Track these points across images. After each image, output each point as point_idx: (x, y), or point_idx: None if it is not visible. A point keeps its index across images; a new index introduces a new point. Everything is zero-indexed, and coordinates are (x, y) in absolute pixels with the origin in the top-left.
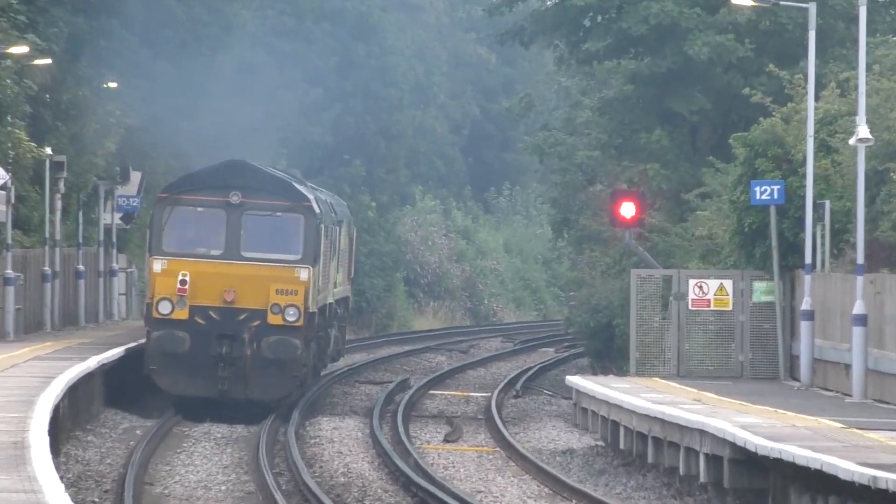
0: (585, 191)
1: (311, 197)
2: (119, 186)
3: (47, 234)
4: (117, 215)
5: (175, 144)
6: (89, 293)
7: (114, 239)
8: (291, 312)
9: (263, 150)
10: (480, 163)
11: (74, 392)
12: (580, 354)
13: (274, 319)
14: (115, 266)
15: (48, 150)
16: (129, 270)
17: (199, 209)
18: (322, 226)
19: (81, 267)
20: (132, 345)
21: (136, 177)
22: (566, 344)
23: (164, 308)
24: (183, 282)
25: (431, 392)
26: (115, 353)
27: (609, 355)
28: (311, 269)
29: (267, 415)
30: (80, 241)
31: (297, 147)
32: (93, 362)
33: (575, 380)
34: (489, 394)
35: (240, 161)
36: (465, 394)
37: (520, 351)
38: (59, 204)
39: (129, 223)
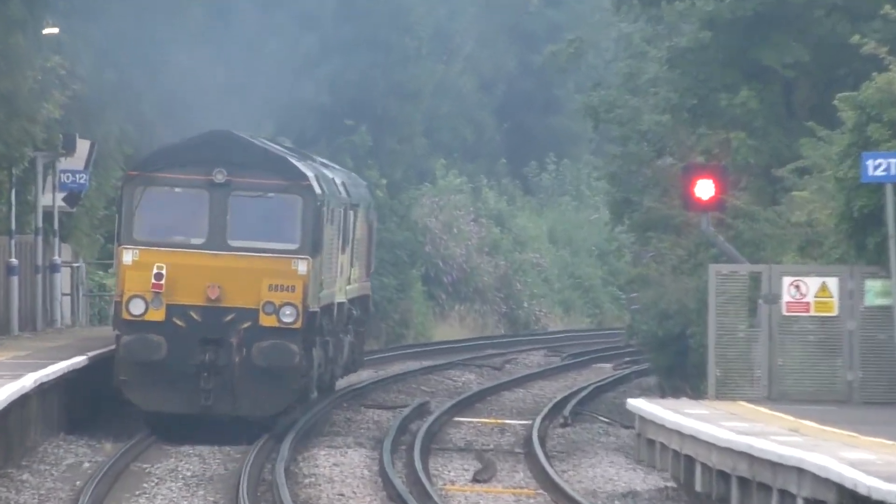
0: (651, 165)
1: (310, 174)
2: (62, 159)
3: None
4: (60, 195)
5: (133, 107)
6: (24, 294)
7: (55, 225)
8: (288, 312)
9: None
10: (518, 130)
11: (5, 419)
12: (645, 372)
13: (267, 321)
14: (58, 259)
15: None
16: (75, 265)
17: (177, 189)
18: (325, 209)
19: (14, 261)
20: (79, 359)
21: (83, 147)
22: (627, 359)
23: (136, 308)
24: (158, 276)
25: (457, 419)
26: (57, 369)
27: (681, 373)
28: (311, 260)
29: (259, 436)
30: (13, 228)
31: (286, 110)
32: (28, 381)
33: (638, 404)
34: (530, 421)
35: (225, 132)
36: (500, 421)
37: (568, 367)
38: None
39: (75, 205)
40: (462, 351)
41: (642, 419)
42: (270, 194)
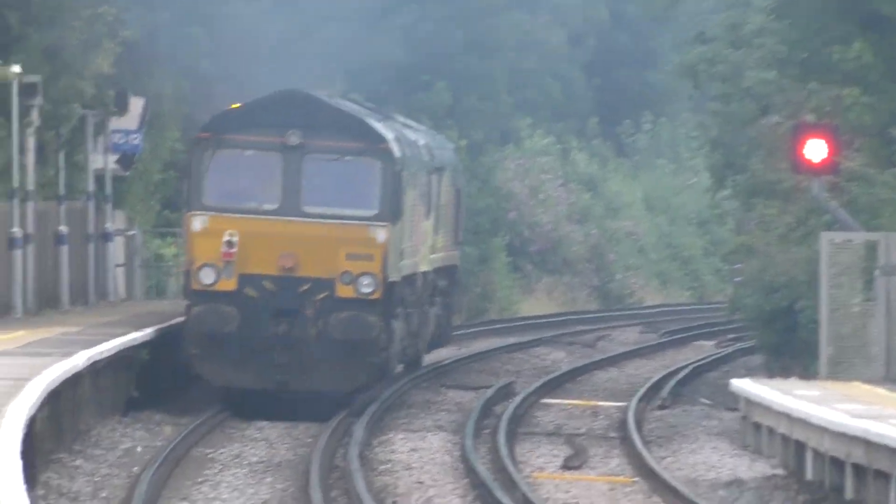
0: (757, 125)
1: (389, 136)
2: (114, 118)
3: (15, 184)
4: (112, 157)
5: (189, 62)
6: (75, 264)
7: (108, 190)
8: (366, 282)
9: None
10: (610, 86)
11: (56, 400)
12: (750, 350)
13: (344, 291)
14: (111, 227)
15: (15, 69)
16: (129, 233)
17: (249, 152)
18: (405, 173)
19: (64, 229)
20: (135, 335)
21: (136, 105)
22: (731, 335)
23: (207, 277)
24: (230, 244)
25: (545, 401)
26: (111, 346)
27: (790, 351)
28: (391, 227)
29: (335, 413)
30: (62, 192)
31: (357, 66)
32: (80, 360)
33: (743, 385)
34: (624, 403)
35: (299, 91)
36: (592, 403)
37: (666, 345)
38: (31, 142)
39: (129, 168)
40: (550, 327)
41: (748, 401)
42: (347, 157)
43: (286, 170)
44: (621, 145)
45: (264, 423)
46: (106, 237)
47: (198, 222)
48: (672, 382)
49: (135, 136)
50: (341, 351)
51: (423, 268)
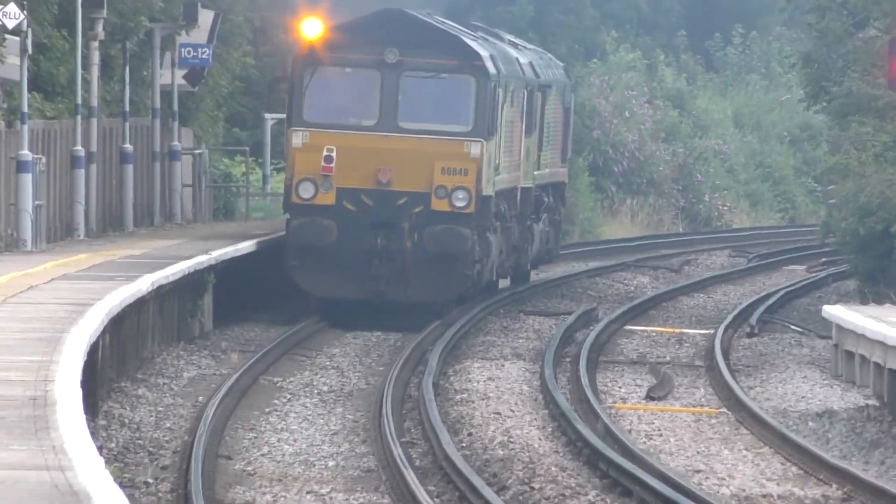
0: (853, 38)
1: (484, 54)
2: (183, 32)
3: (79, 100)
4: (180, 73)
5: None
6: (140, 184)
7: (175, 107)
8: (461, 196)
9: None
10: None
11: (119, 326)
12: (843, 275)
13: (439, 205)
14: (178, 145)
15: None
16: (197, 152)
17: (348, 70)
18: (500, 90)
19: (129, 147)
20: (201, 259)
21: (206, 18)
22: (823, 260)
23: (306, 191)
24: (328, 158)
25: (628, 328)
26: (176, 270)
27: (886, 277)
28: (485, 143)
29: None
30: (127, 109)
31: None
32: (144, 284)
33: (836, 311)
34: (711, 331)
35: (396, 10)
36: (678, 330)
37: (756, 269)
38: (96, 56)
39: (198, 84)
40: (634, 251)
41: (840, 329)
42: (443, 75)
43: (383, 87)
44: (710, 60)
45: (335, 351)
46: (173, 156)
47: (298, 138)
48: (761, 309)
49: (204, 49)
50: (436, 263)
51: (526, 183)
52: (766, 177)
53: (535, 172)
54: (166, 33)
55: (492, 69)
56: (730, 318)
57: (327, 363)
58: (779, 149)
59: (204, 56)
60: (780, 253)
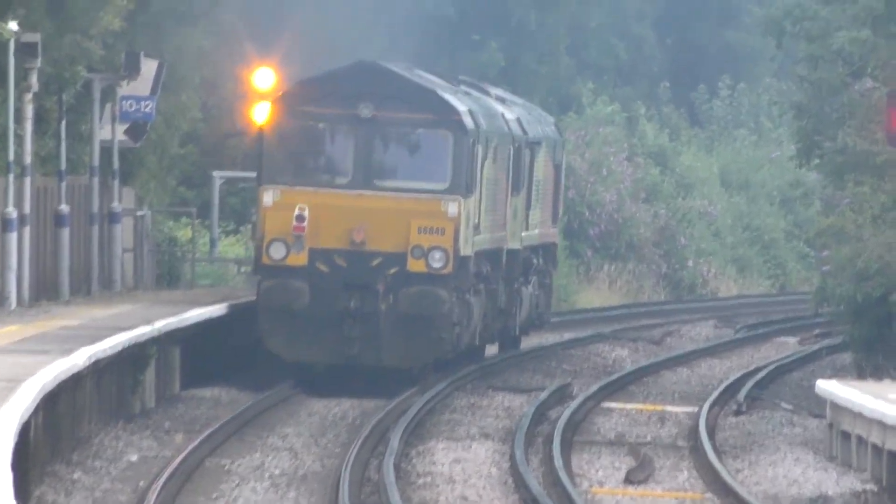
0: (848, 90)
1: (462, 108)
2: (124, 83)
3: (11, 157)
4: (121, 127)
5: (212, 17)
6: (77, 249)
7: (116, 165)
8: (437, 257)
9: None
10: (684, 46)
11: (53, 404)
12: (838, 347)
13: (415, 265)
14: (118, 206)
15: (12, 26)
16: (139, 213)
17: (321, 125)
18: (480, 146)
19: (65, 208)
20: (142, 330)
21: (149, 68)
22: (817, 331)
23: (277, 252)
24: (300, 218)
25: (605, 405)
26: (116, 343)
27: (884, 348)
28: (463, 200)
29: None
30: (63, 167)
31: (400, 21)
32: (81, 358)
33: (830, 387)
34: (695, 408)
35: (371, 63)
36: (659, 408)
37: (744, 341)
38: (29, 109)
39: (140, 140)
40: (612, 321)
41: (835, 406)
42: (419, 130)
43: (358, 142)
44: (695, 113)
45: (289, 430)
46: (112, 218)
47: (269, 196)
48: (750, 384)
49: (147, 102)
50: (412, 326)
51: (513, 244)
52: (754, 240)
53: (524, 233)
54: (106, 84)
55: (470, 124)
56: (715, 394)
57: (280, 443)
58: (768, 210)
59: (147, 109)
60: (769, 323)
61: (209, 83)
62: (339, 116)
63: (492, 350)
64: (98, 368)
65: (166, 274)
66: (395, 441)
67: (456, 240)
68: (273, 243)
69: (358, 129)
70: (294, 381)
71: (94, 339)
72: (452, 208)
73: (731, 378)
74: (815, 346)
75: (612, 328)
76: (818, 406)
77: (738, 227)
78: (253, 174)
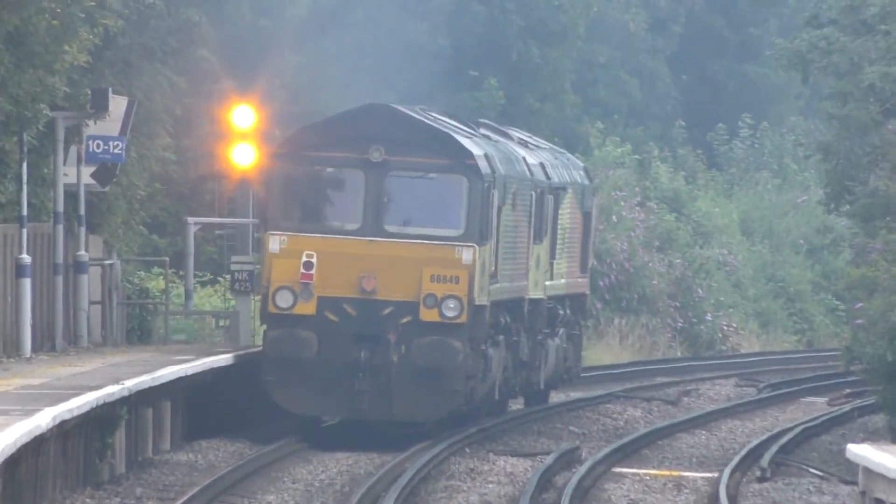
0: (880, 129)
1: (477, 153)
2: (91, 122)
3: None
4: (88, 170)
5: (190, 51)
6: (39, 302)
7: (82, 211)
8: (451, 306)
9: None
10: (701, 83)
11: (14, 470)
12: (870, 408)
13: (428, 315)
14: (85, 256)
15: None
16: (107, 263)
17: (330, 169)
18: (495, 192)
19: (27, 257)
20: (111, 389)
21: (118, 106)
22: (847, 391)
23: (284, 300)
24: (308, 265)
25: (617, 471)
26: (82, 403)
27: None
28: (478, 248)
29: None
30: (24, 213)
31: (390, 56)
32: (44, 419)
33: (863, 452)
34: (715, 474)
35: (382, 105)
36: (675, 473)
37: (768, 401)
38: None
39: (109, 184)
40: (624, 379)
41: (868, 472)
42: (432, 175)
43: (368, 187)
44: (713, 155)
45: (271, 499)
46: (78, 268)
47: (275, 242)
48: (774, 448)
49: (117, 143)
50: (424, 378)
51: (535, 294)
52: (778, 293)
53: (548, 283)
54: (71, 123)
55: (486, 169)
56: (737, 459)
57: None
58: (794, 260)
59: (116, 150)
60: (796, 382)
61: (183, 123)
62: (348, 160)
63: (516, 405)
64: (63, 431)
65: (137, 328)
66: None
67: (471, 288)
68: (280, 291)
69: (368, 173)
70: (278, 443)
71: (58, 399)
72: (467, 255)
73: (755, 441)
74: (846, 408)
75: (624, 387)
76: (849, 472)
77: (761, 278)
78: (232, 220)
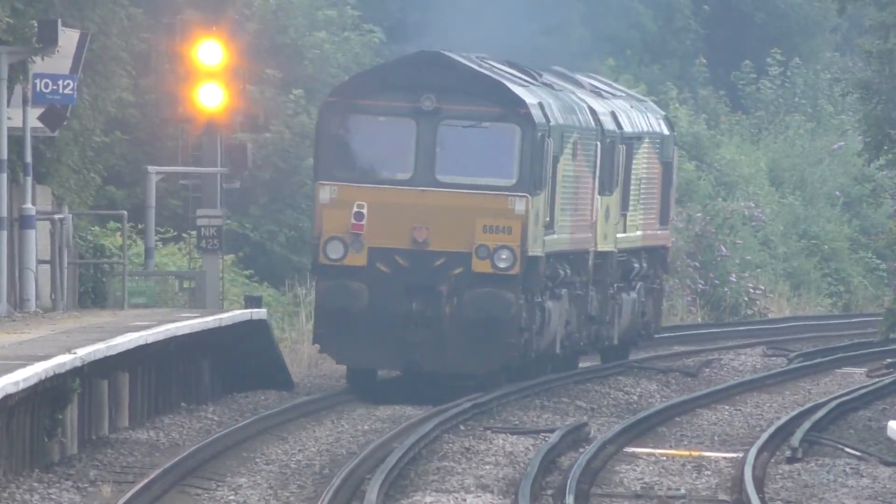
0: None
1: (530, 101)
2: (38, 58)
3: None
4: (35, 112)
5: None
6: None
7: (28, 158)
8: (504, 256)
9: None
10: (725, 14)
11: None
12: None
13: (480, 266)
14: (31, 209)
15: None
16: (57, 217)
17: (382, 118)
18: (550, 141)
19: None
20: (62, 359)
21: (69, 40)
22: (888, 360)
23: (335, 251)
24: (359, 216)
25: (629, 450)
26: (29, 375)
27: None
28: (531, 198)
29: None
30: None
31: None
32: None
33: None
34: (740, 454)
35: (435, 52)
36: (696, 453)
37: (799, 373)
38: None
39: (59, 128)
40: (637, 348)
41: None
42: (485, 123)
43: (420, 137)
44: (738, 96)
45: (242, 481)
46: (24, 222)
47: (326, 193)
48: (806, 425)
49: (67, 81)
50: (477, 330)
51: (605, 247)
52: (812, 250)
53: (619, 235)
54: (16, 60)
55: (539, 117)
56: (764, 437)
57: (231, 497)
58: (829, 213)
59: (67, 91)
60: (830, 351)
61: (142, 60)
62: (399, 109)
63: (588, 362)
64: (7, 407)
65: (91, 291)
66: (371, 494)
67: (524, 239)
68: (330, 242)
69: (420, 122)
70: (250, 419)
71: (1, 371)
72: (520, 205)
73: (784, 418)
74: (887, 380)
75: (638, 357)
76: (890, 451)
77: (792, 235)
78: (198, 169)
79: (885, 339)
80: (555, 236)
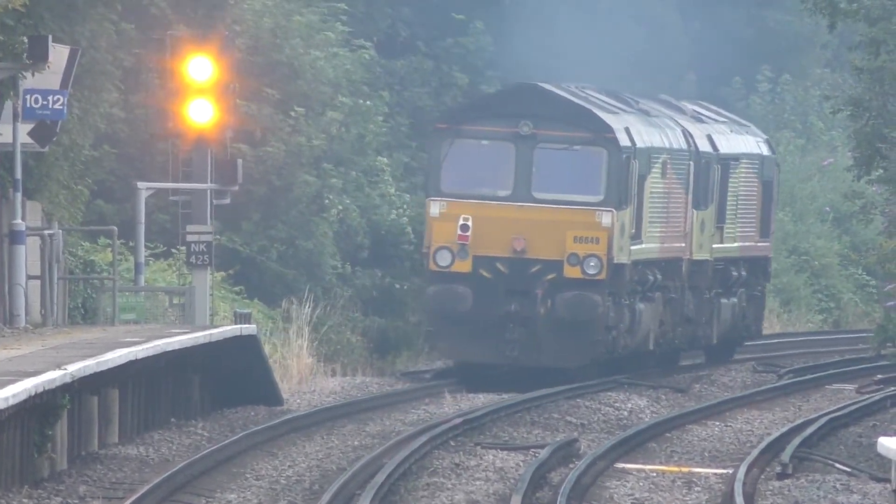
0: None
1: (616, 126)
2: (28, 74)
3: None
4: (25, 128)
5: None
6: None
7: (17, 174)
8: (592, 264)
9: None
10: (715, 31)
11: None
12: None
13: (571, 272)
14: (21, 224)
15: None
16: (47, 233)
17: (485, 142)
18: (635, 162)
19: None
20: (51, 375)
21: (59, 56)
22: (878, 377)
23: (443, 259)
24: (465, 227)
25: (620, 466)
26: (18, 391)
27: None
28: (616, 212)
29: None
30: None
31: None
32: None
33: (895, 445)
34: (730, 470)
35: (531, 84)
36: (685, 469)
37: (789, 389)
38: None
39: (48, 143)
40: (627, 363)
41: None
42: (576, 147)
43: (518, 158)
44: (729, 111)
45: (232, 497)
46: (14, 238)
47: (436, 207)
48: (797, 441)
49: (57, 98)
50: (568, 329)
51: (700, 255)
52: (802, 267)
53: (715, 245)
54: (6, 75)
55: (625, 141)
56: (755, 453)
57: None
58: (819, 229)
59: (57, 106)
60: (821, 367)
61: (132, 75)
62: (501, 134)
63: (690, 359)
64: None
65: (81, 306)
66: None
67: (610, 248)
68: (440, 251)
69: (518, 145)
70: (240, 434)
71: None
72: (606, 219)
73: (774, 434)
74: (877, 396)
75: (627, 373)
76: (881, 468)
77: (782, 251)
78: (188, 185)
79: (876, 354)
80: (642, 245)
